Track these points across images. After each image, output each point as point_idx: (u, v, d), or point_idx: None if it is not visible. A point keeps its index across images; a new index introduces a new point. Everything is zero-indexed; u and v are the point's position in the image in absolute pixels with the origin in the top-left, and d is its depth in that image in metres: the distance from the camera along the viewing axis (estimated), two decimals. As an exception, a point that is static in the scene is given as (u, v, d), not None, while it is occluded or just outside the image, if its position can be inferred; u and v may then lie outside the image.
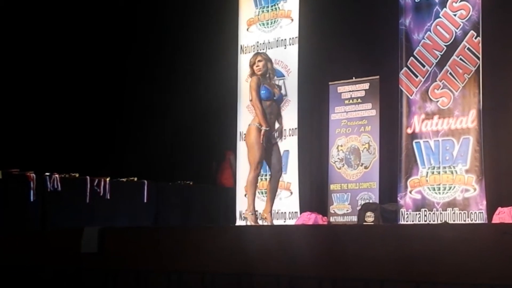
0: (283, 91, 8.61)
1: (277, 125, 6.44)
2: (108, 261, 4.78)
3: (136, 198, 8.96)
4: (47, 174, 8.22)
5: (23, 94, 9.84)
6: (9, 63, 9.74)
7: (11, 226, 7.54)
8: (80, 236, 4.89)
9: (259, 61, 6.44)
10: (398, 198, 7.93)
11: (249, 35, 9.09)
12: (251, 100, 6.46)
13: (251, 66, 6.47)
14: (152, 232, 5.04)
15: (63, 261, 5.03)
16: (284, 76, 8.69)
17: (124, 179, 9.06)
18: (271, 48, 8.86)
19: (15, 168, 8.14)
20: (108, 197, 8.57)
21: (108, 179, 8.65)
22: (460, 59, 7.61)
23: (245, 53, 9.08)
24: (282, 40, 8.78)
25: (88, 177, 8.53)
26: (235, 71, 9.19)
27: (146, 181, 9.09)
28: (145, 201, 9.01)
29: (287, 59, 8.67)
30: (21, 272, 5.27)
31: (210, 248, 4.30)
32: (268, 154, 6.36)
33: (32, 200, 7.99)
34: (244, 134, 8.87)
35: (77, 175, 8.58)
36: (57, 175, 8.24)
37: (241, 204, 8.82)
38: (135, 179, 9.12)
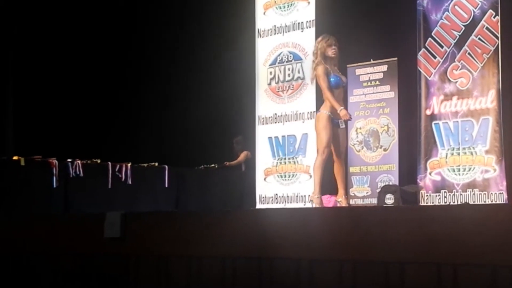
0: (300, 75, 8.61)
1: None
2: (130, 246, 4.83)
3: (157, 183, 9.04)
4: (69, 160, 8.31)
5: (44, 82, 9.94)
6: (30, 53, 9.84)
7: (35, 212, 7.64)
8: (103, 221, 4.95)
9: (334, 45, 6.43)
10: (418, 180, 7.91)
11: (266, 19, 9.07)
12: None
13: (323, 51, 6.40)
14: (174, 217, 5.08)
15: (85, 246, 5.10)
16: (301, 59, 8.68)
17: (145, 165, 9.13)
18: (288, 31, 8.84)
19: (37, 155, 8.24)
20: (130, 183, 8.66)
21: (129, 164, 8.72)
22: (479, 39, 7.55)
23: (262, 37, 9.07)
24: (299, 23, 8.75)
25: (109, 163, 8.61)
26: (253, 56, 9.19)
27: (166, 166, 9.16)
28: (166, 186, 9.08)
29: (304, 42, 8.64)
30: (44, 257, 5.35)
31: (231, 232, 4.33)
32: (335, 139, 6.46)
33: (54, 186, 8.09)
34: (263, 118, 8.93)
35: (98, 161, 8.67)
36: (79, 161, 8.34)
37: (261, 188, 8.86)
38: (156, 164, 9.19)
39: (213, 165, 9.86)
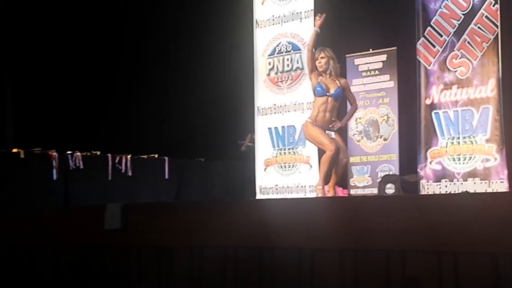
0: (299, 65, 8.59)
1: (333, 123, 6.44)
2: (131, 237, 4.83)
3: (157, 175, 9.05)
4: (69, 152, 8.32)
5: (43, 75, 9.92)
6: (29, 46, 9.81)
7: (35, 204, 7.65)
8: (103, 212, 4.95)
9: (321, 57, 6.43)
10: (418, 170, 7.91)
11: (264, 9, 9.04)
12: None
13: (314, 61, 6.47)
14: (174, 208, 5.08)
15: (86, 238, 5.10)
16: (300, 49, 8.66)
17: (145, 156, 9.14)
18: (287, 21, 8.81)
19: (37, 147, 8.25)
20: (130, 174, 8.68)
21: (129, 156, 8.73)
22: (478, 27, 7.53)
23: (261, 27, 9.04)
24: (297, 13, 8.72)
25: (109, 155, 8.62)
26: (251, 46, 9.17)
27: (166, 158, 9.16)
28: (166, 177, 9.09)
29: (303, 33, 8.62)
30: (45, 250, 5.35)
31: (231, 222, 4.33)
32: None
33: (55, 178, 8.11)
34: (262, 108, 8.92)
35: (98, 153, 8.68)
36: (78, 154, 8.35)
37: (261, 178, 8.86)
38: (156, 156, 9.20)
39: (250, 143, 9.80)
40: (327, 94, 6.40)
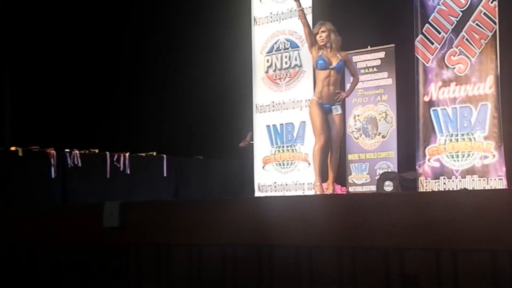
0: (297, 62, 8.59)
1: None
2: (129, 235, 4.83)
3: (156, 173, 9.05)
4: (67, 150, 8.31)
5: (41, 73, 9.91)
6: (27, 44, 9.81)
7: (33, 202, 7.65)
8: (102, 210, 4.94)
9: (322, 31, 6.48)
10: (417, 167, 7.91)
11: (262, 7, 9.04)
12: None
13: (314, 35, 6.49)
14: (173, 206, 5.08)
15: (85, 236, 5.10)
16: (298, 47, 8.66)
17: (144, 154, 9.14)
18: (285, 19, 8.81)
19: (35, 145, 8.24)
20: (128, 172, 8.67)
21: (127, 154, 8.72)
22: (477, 24, 7.53)
23: (259, 24, 9.04)
24: (295, 10, 8.69)
25: (107, 153, 8.62)
26: (249, 44, 9.16)
27: (165, 156, 9.16)
28: (165, 175, 9.09)
29: (301, 30, 8.58)
30: (43, 248, 5.35)
31: (230, 220, 4.33)
32: (328, 127, 6.43)
33: (53, 176, 8.10)
34: (260, 106, 8.92)
35: (96, 151, 8.68)
36: (77, 151, 8.34)
37: (260, 176, 8.87)
38: (154, 153, 9.19)
39: (252, 142, 9.79)
40: (330, 67, 6.43)
